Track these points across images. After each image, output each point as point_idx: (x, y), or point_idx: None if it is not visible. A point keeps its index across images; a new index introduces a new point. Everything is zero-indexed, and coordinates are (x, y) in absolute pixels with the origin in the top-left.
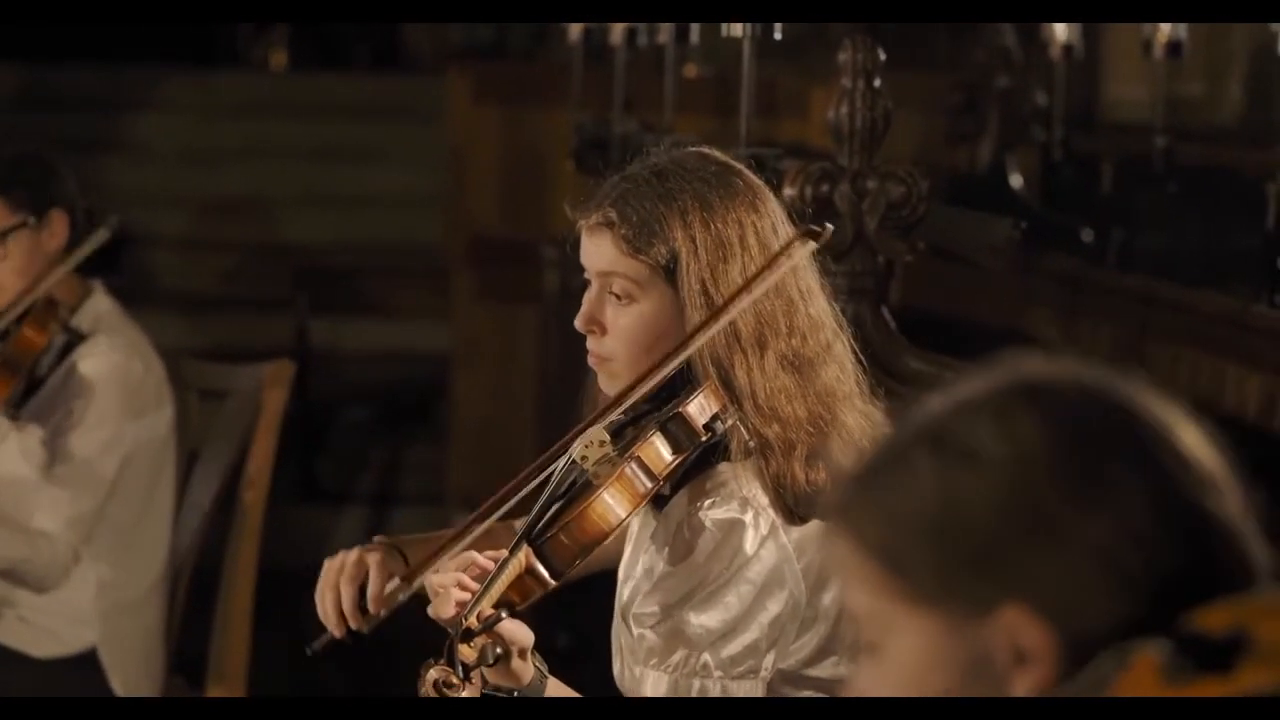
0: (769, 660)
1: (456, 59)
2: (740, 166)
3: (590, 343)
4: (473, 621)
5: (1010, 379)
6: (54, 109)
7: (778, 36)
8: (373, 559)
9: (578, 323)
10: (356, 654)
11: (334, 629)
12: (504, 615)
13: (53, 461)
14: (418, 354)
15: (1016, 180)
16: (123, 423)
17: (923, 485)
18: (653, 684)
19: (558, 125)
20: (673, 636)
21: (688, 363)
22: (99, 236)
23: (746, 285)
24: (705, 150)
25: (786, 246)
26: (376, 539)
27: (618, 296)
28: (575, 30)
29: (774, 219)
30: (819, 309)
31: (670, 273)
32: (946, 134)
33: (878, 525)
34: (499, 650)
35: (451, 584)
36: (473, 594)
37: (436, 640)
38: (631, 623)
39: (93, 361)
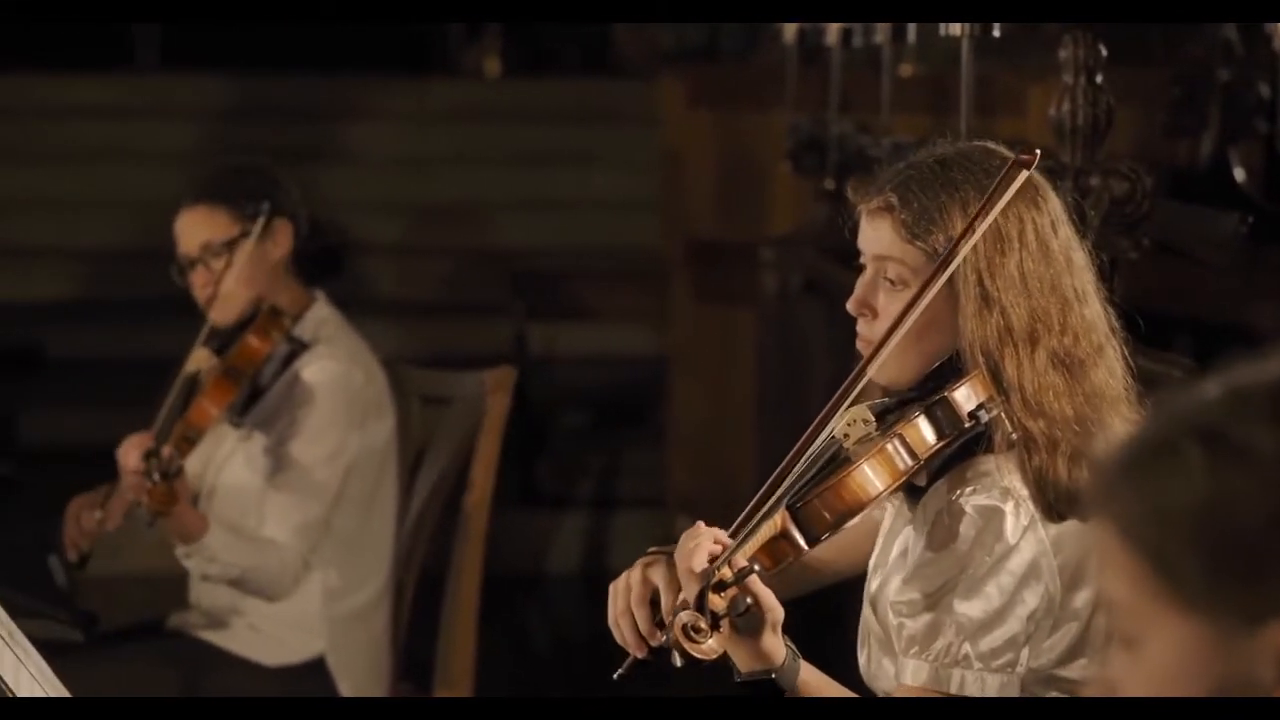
0: (1024, 655)
1: (670, 63)
2: None
3: (860, 326)
4: (725, 572)
5: None
6: (270, 118)
7: (996, 34)
8: (657, 574)
9: (850, 305)
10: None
11: (635, 651)
12: (756, 568)
13: (278, 470)
14: (634, 357)
15: (1240, 174)
16: (345, 431)
17: (1194, 482)
18: (913, 672)
19: (772, 127)
20: (934, 625)
21: (956, 351)
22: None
23: (969, 226)
24: (990, 145)
25: (999, 181)
26: (650, 550)
27: (891, 281)
28: (790, 32)
29: (1054, 216)
30: (1093, 312)
31: (946, 262)
32: (1166, 128)
33: (1144, 519)
34: (749, 600)
35: (706, 538)
36: (724, 548)
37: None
38: (889, 612)
39: (315, 371)
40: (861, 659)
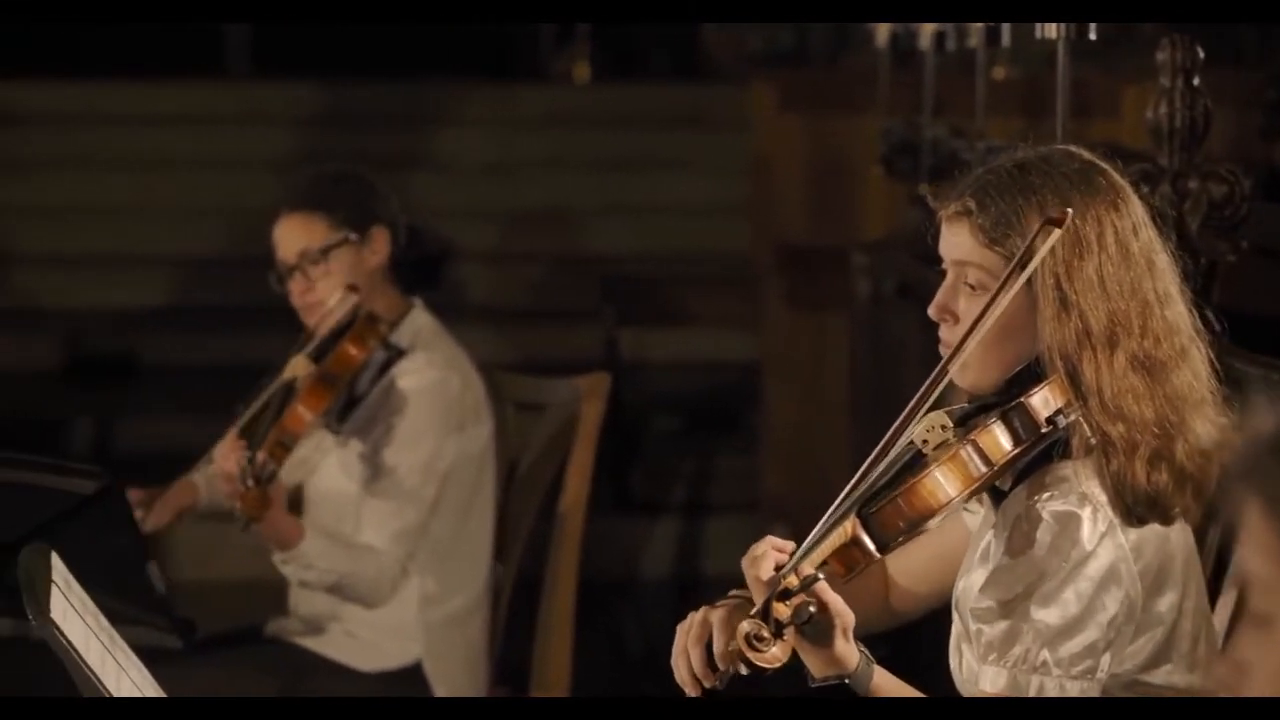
0: (1105, 661)
1: (759, 67)
2: (1105, 166)
3: (942, 331)
4: (791, 580)
5: None
6: (359, 126)
7: (1092, 37)
8: (716, 616)
9: (931, 310)
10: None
11: (689, 690)
12: (821, 576)
13: (375, 477)
14: (726, 363)
15: None
16: (443, 438)
17: None
18: (991, 679)
19: (864, 131)
20: (1011, 631)
21: (1036, 357)
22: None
23: (1007, 276)
24: (1072, 148)
25: (1033, 239)
26: (732, 592)
27: (972, 286)
28: (882, 34)
29: (1135, 220)
30: (1176, 314)
31: (1024, 266)
32: (1264, 130)
33: None
34: (813, 609)
35: (769, 546)
36: (790, 555)
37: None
38: (969, 618)
39: (412, 377)
40: (953, 662)
